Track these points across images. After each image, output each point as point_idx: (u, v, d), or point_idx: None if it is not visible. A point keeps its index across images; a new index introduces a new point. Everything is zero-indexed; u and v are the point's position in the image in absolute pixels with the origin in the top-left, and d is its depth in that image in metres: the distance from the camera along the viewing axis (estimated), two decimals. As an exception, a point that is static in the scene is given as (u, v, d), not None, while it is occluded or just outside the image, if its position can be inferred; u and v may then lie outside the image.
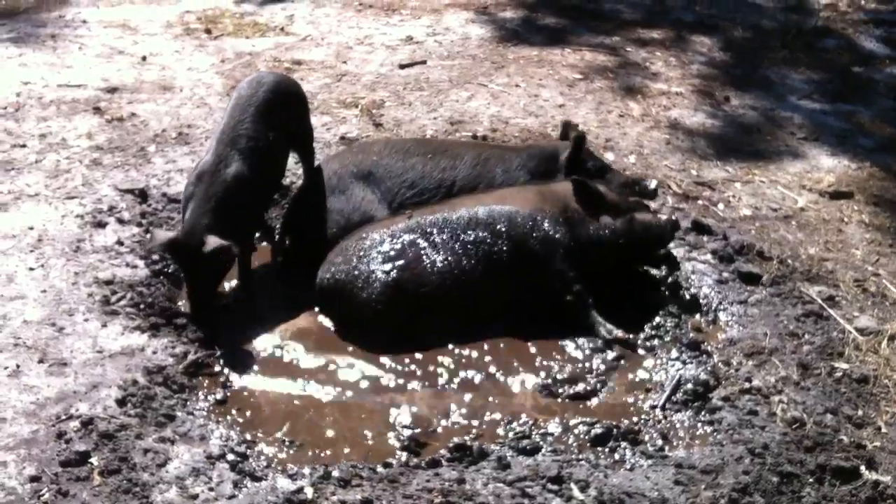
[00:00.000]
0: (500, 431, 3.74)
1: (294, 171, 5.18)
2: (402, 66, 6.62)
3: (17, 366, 3.75)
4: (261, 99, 4.49)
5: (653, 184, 4.81)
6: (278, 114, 4.52)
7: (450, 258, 4.24)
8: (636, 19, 7.65)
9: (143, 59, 6.59)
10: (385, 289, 4.18)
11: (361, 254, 4.27)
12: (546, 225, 4.34)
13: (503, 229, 4.30)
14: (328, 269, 4.33)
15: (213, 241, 4.03)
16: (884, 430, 3.74)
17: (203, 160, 4.30)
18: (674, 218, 4.67)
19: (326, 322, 4.30)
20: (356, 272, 4.24)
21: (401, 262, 4.23)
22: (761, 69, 6.92)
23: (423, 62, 6.71)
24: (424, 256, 4.24)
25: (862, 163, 5.78)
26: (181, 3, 7.60)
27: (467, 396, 3.93)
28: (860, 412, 3.82)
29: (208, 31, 7.09)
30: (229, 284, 4.42)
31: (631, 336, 4.22)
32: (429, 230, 4.30)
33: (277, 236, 4.77)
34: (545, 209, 4.38)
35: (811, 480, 3.51)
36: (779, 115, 6.31)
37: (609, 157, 5.51)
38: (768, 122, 6.22)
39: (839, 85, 6.77)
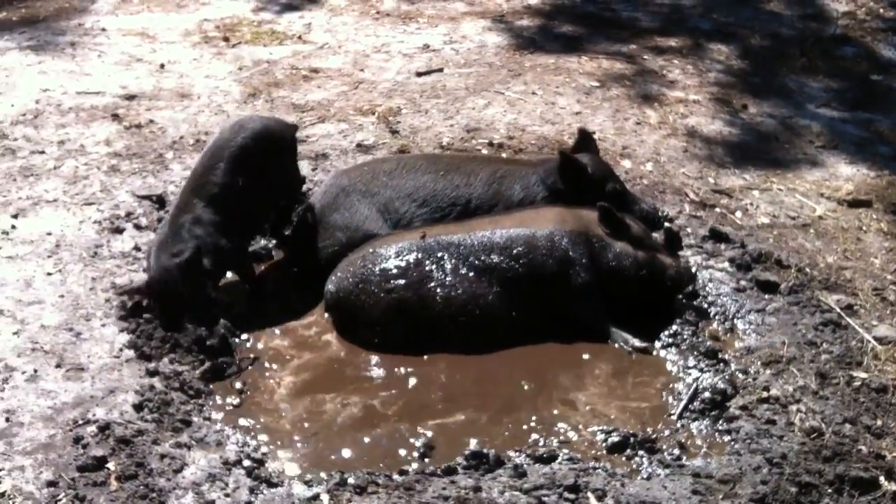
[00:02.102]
0: (517, 439, 3.72)
1: (310, 177, 5.19)
2: (419, 74, 6.63)
3: (35, 370, 3.77)
4: (237, 145, 4.35)
5: (664, 215, 4.82)
6: (256, 162, 4.37)
7: (462, 282, 4.18)
8: (653, 27, 7.63)
9: (162, 66, 6.62)
10: (389, 310, 4.17)
11: (369, 270, 4.24)
12: (565, 244, 4.29)
13: (520, 252, 4.24)
14: (335, 282, 4.32)
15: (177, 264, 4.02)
16: (903, 440, 3.71)
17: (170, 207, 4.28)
18: (693, 270, 4.57)
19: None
20: (361, 289, 4.22)
21: (407, 282, 4.18)
22: (779, 77, 6.89)
23: (440, 70, 6.71)
24: (433, 279, 4.18)
25: (881, 171, 5.74)
26: (199, 12, 7.64)
27: (484, 403, 3.92)
28: (879, 422, 3.79)
29: (226, 39, 7.12)
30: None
31: (648, 344, 4.20)
32: (441, 253, 4.24)
33: (289, 249, 4.74)
34: (565, 229, 4.32)
35: (830, 491, 3.48)
36: (797, 123, 6.28)
37: (626, 164, 5.50)
38: (786, 130, 6.19)
39: (858, 93, 6.73)
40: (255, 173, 4.35)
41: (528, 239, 4.28)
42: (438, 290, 4.18)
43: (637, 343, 4.19)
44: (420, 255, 4.24)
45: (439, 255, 4.24)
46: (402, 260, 4.24)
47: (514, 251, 4.25)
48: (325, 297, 4.35)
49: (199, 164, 4.39)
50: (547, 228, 4.32)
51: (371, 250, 4.32)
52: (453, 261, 4.23)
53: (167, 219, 4.26)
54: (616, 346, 4.21)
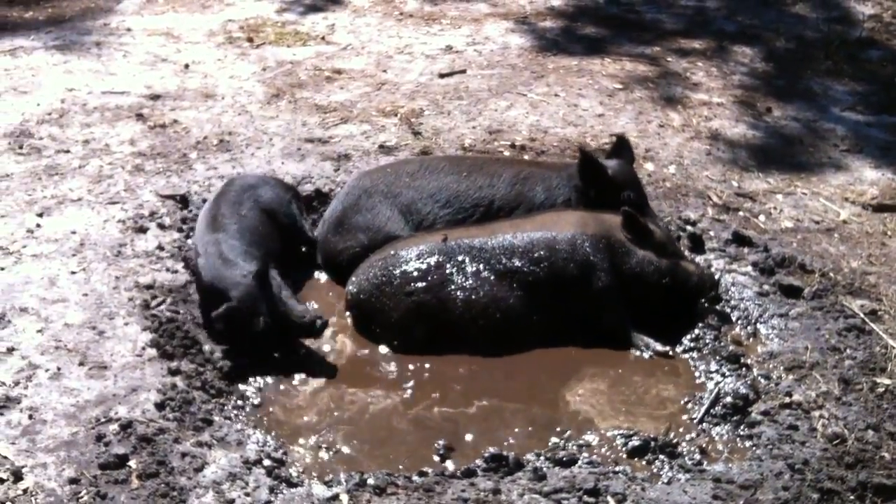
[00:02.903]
0: (537, 442, 3.72)
1: (332, 178, 5.21)
2: (442, 76, 6.63)
3: (58, 368, 3.80)
4: (242, 199, 4.54)
5: (682, 232, 4.81)
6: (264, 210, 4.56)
7: (482, 285, 4.18)
8: (677, 29, 7.60)
9: (186, 66, 6.66)
10: (409, 312, 4.17)
11: (389, 273, 4.24)
12: (587, 248, 4.27)
13: (541, 256, 4.23)
14: (356, 283, 4.33)
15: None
16: (927, 447, 3.68)
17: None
18: (717, 277, 4.54)
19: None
20: (381, 291, 4.22)
21: (427, 285, 4.19)
22: (804, 80, 6.85)
23: (463, 71, 6.71)
24: (453, 282, 4.18)
25: (906, 176, 5.70)
26: (224, 12, 7.68)
27: (504, 405, 3.92)
28: (903, 429, 3.76)
29: (250, 40, 7.15)
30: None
31: (669, 348, 4.18)
32: (462, 256, 4.24)
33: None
34: (587, 233, 4.31)
35: (852, 497, 3.45)
36: (821, 126, 6.23)
37: (649, 167, 5.48)
38: (811, 133, 6.15)
39: (883, 97, 6.68)
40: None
41: (549, 243, 4.27)
42: (459, 293, 4.18)
43: (658, 347, 4.18)
44: (441, 258, 4.24)
45: (460, 258, 4.24)
46: (422, 262, 4.24)
47: (536, 255, 4.24)
48: (345, 298, 4.36)
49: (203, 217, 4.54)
50: (569, 232, 4.30)
51: (392, 252, 4.32)
52: (474, 264, 4.22)
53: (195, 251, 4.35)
54: (637, 350, 4.20)
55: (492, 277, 4.20)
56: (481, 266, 4.22)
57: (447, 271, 4.21)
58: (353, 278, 4.36)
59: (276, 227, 4.53)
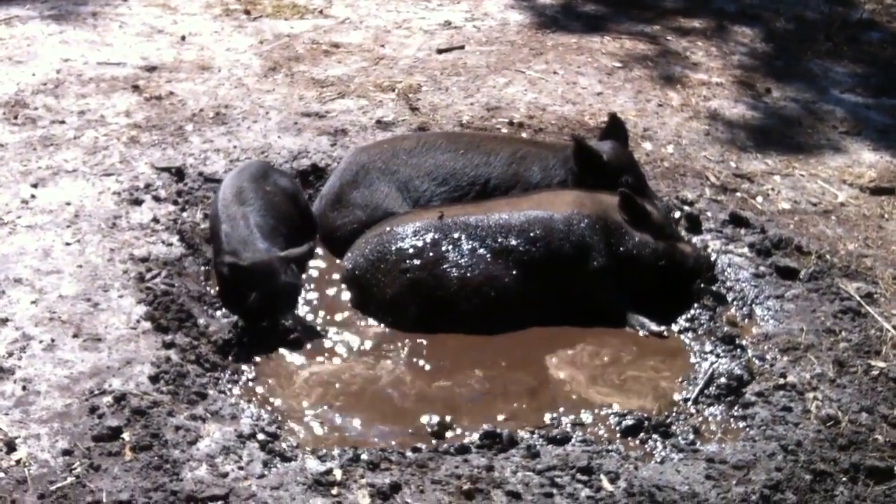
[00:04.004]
0: (531, 420, 3.72)
1: (329, 153, 5.19)
2: (440, 51, 6.59)
3: (52, 340, 3.79)
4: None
5: (679, 212, 4.80)
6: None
7: (478, 263, 4.17)
8: (677, 8, 7.55)
9: (183, 38, 6.61)
10: (403, 289, 4.17)
11: (385, 249, 4.24)
12: (583, 227, 4.26)
13: (537, 235, 4.23)
14: (352, 259, 4.32)
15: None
16: (920, 430, 3.69)
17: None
18: (713, 258, 4.53)
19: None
20: (377, 268, 4.22)
21: (422, 262, 4.18)
22: (804, 61, 6.82)
23: (461, 47, 6.67)
24: (448, 260, 4.17)
25: (904, 159, 5.69)
26: (221, -16, 7.61)
27: (498, 383, 3.92)
28: (896, 411, 3.77)
29: (247, 13, 7.09)
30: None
31: (664, 328, 4.18)
32: (458, 233, 4.23)
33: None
34: (583, 213, 4.30)
35: (844, 479, 3.47)
36: (821, 108, 6.22)
37: (647, 146, 5.46)
38: (810, 114, 6.14)
39: (883, 79, 6.66)
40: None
41: (545, 222, 4.26)
42: (454, 270, 4.17)
43: (654, 327, 4.18)
44: (437, 236, 4.23)
45: (456, 235, 4.22)
46: (418, 239, 4.23)
47: (532, 234, 4.23)
48: (341, 273, 4.35)
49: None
50: (565, 211, 4.29)
51: (388, 228, 4.31)
52: (470, 242, 4.21)
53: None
54: (632, 329, 4.19)
55: (487, 255, 4.19)
56: (477, 244, 4.21)
57: (443, 249, 4.20)
58: (349, 254, 4.35)
59: (295, 210, 4.55)
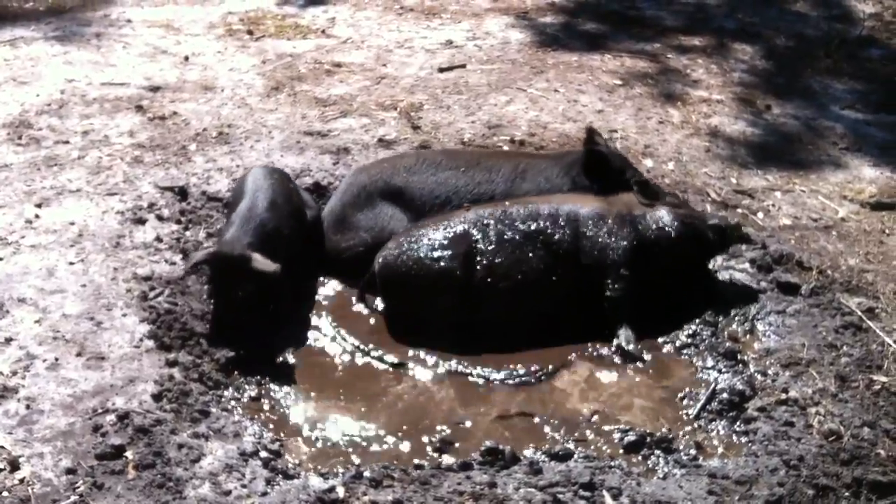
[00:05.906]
0: (533, 436, 3.72)
1: (331, 171, 5.21)
2: (442, 70, 6.63)
3: (56, 359, 3.80)
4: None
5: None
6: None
7: (506, 251, 4.26)
8: (677, 26, 7.60)
9: (186, 58, 6.65)
10: (437, 279, 4.21)
11: (417, 242, 4.29)
12: (611, 221, 4.38)
13: (566, 223, 4.35)
14: (384, 255, 4.33)
15: (259, 259, 4.06)
16: (923, 445, 3.69)
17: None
18: (723, 224, 4.61)
19: (359, 321, 4.32)
20: (409, 259, 4.26)
21: (454, 252, 4.23)
22: (804, 78, 6.85)
23: (463, 66, 6.71)
24: (478, 248, 4.26)
25: (905, 174, 5.70)
26: (224, 5, 7.67)
27: (500, 399, 3.92)
28: (898, 426, 3.77)
29: (250, 33, 7.15)
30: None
31: (642, 355, 4.16)
32: (487, 222, 4.33)
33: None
34: (612, 210, 4.43)
35: (847, 494, 3.46)
36: (821, 124, 6.24)
37: (648, 163, 5.48)
38: (810, 131, 6.16)
39: (883, 95, 6.68)
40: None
41: (572, 214, 4.38)
42: (483, 261, 4.23)
43: (632, 347, 4.15)
44: (466, 227, 4.31)
45: (486, 226, 4.31)
46: (449, 231, 4.30)
47: (560, 223, 4.34)
48: (374, 270, 4.35)
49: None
50: (594, 205, 4.43)
51: (419, 225, 4.40)
52: (500, 232, 4.30)
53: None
54: (616, 339, 4.19)
55: (516, 242, 4.28)
56: (506, 234, 4.30)
57: (473, 240, 4.28)
58: (382, 252, 4.36)
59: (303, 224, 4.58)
